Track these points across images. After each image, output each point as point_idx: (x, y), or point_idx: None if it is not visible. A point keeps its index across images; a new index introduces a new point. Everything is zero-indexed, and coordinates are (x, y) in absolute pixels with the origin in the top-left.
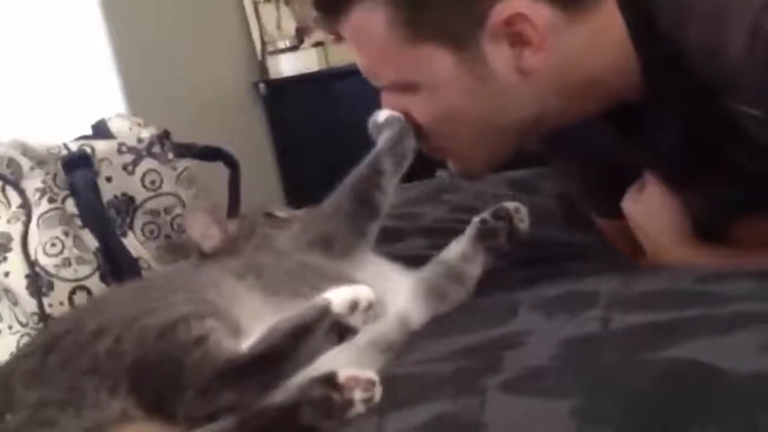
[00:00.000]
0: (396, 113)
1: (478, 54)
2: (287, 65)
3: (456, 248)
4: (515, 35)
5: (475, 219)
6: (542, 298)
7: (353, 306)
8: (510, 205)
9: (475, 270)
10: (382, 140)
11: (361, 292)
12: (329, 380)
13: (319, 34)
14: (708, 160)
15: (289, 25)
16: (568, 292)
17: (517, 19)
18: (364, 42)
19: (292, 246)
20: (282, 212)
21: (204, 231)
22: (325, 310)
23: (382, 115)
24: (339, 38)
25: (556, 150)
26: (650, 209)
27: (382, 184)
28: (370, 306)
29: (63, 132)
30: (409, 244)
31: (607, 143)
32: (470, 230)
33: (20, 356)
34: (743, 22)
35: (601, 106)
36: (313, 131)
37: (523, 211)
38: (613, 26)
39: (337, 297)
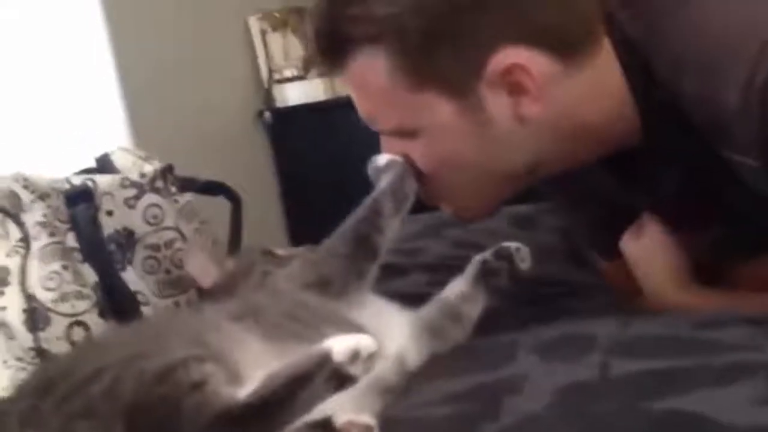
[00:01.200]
0: (396, 157)
1: (477, 102)
2: (293, 94)
3: (456, 288)
4: (513, 84)
5: (477, 258)
6: (541, 341)
7: (354, 355)
8: (512, 245)
9: (474, 310)
10: (382, 182)
11: (362, 341)
12: (326, 425)
13: None
14: (707, 204)
15: (297, 54)
16: (567, 335)
17: (515, 70)
18: (365, 88)
19: (290, 286)
20: (281, 250)
21: (202, 268)
22: (326, 359)
23: (381, 159)
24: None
25: (558, 190)
26: (648, 251)
27: (382, 225)
28: (371, 356)
29: (67, 165)
30: (409, 281)
31: (607, 186)
32: (471, 269)
33: (16, 396)
34: (737, 76)
35: (600, 152)
36: (318, 160)
37: (525, 251)
38: (611, 75)
39: (339, 345)
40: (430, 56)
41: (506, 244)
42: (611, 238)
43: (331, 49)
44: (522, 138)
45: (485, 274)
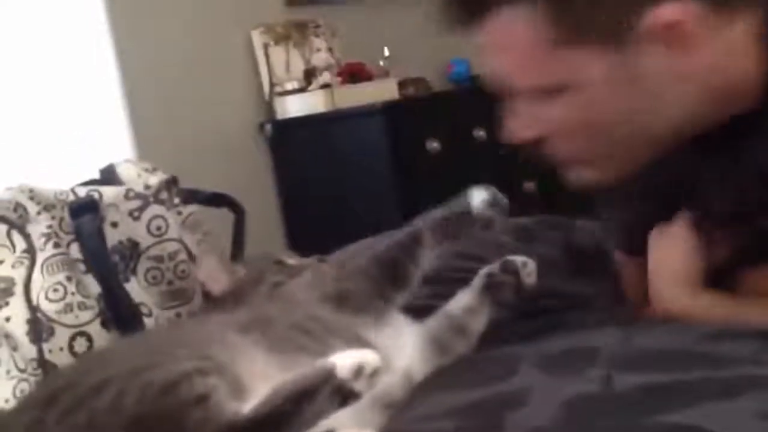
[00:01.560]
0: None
1: (633, 56)
2: (294, 106)
3: (461, 301)
4: (671, 38)
5: (483, 271)
6: (544, 354)
7: (358, 371)
8: (518, 259)
9: (479, 324)
10: (436, 215)
11: (366, 357)
12: None
13: (326, 77)
14: None
15: (298, 68)
16: (570, 349)
17: (674, 23)
18: (510, 44)
19: (307, 296)
20: (292, 259)
21: (212, 274)
22: (330, 374)
23: (478, 197)
24: (346, 80)
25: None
26: (668, 247)
27: (418, 256)
28: (375, 372)
29: (72, 177)
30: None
31: (686, 169)
32: (477, 282)
33: (21, 408)
34: None
35: (724, 118)
36: (318, 171)
37: (531, 265)
38: (755, 32)
39: (343, 361)
40: (586, 8)
41: (512, 258)
42: (643, 237)
43: (471, 5)
44: (674, 95)
45: (490, 288)
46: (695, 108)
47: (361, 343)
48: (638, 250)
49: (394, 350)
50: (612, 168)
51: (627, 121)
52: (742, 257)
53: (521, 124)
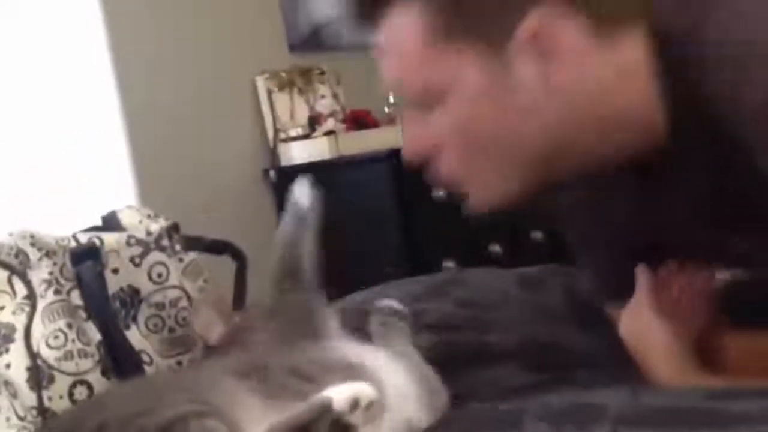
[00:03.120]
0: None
1: (507, 64)
2: (298, 153)
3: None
4: (544, 48)
5: (372, 328)
6: (549, 409)
7: (354, 404)
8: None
9: (417, 357)
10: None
11: (362, 389)
12: None
13: (330, 123)
14: (730, 214)
15: (302, 114)
16: (576, 404)
17: (547, 33)
18: (397, 47)
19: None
20: None
21: (208, 324)
22: (326, 408)
23: (299, 191)
24: (351, 126)
25: (579, 228)
26: (644, 335)
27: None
28: (371, 404)
29: (74, 223)
30: (415, 341)
31: (628, 204)
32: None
33: None
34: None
35: (625, 148)
36: (322, 218)
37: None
38: (642, 63)
39: (339, 395)
40: (465, 12)
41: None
42: (622, 282)
43: (367, 5)
44: (547, 111)
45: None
46: (576, 132)
47: (357, 377)
48: (619, 299)
49: (394, 393)
50: (496, 188)
51: (504, 131)
52: (721, 321)
53: (415, 138)
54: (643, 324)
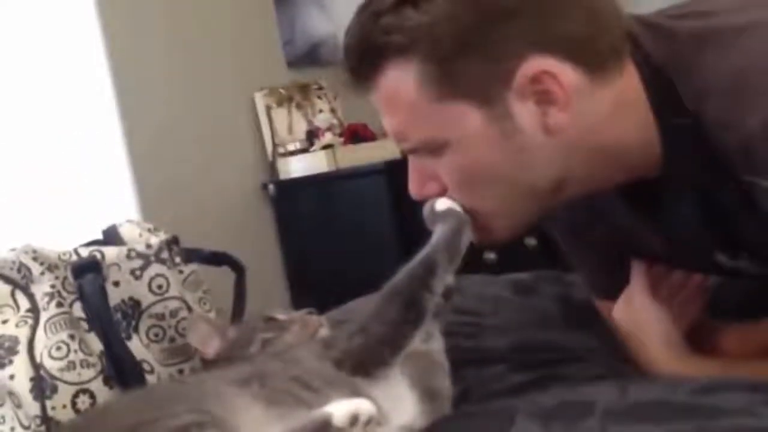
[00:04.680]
0: (455, 206)
1: (506, 111)
2: (297, 166)
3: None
4: (542, 93)
5: None
6: (539, 407)
7: (353, 420)
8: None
9: (439, 344)
10: (438, 234)
11: (361, 405)
12: None
13: (328, 137)
14: (722, 234)
15: (300, 128)
16: (565, 401)
17: (544, 77)
18: (395, 103)
19: (310, 357)
20: (282, 315)
21: (204, 338)
22: (327, 423)
23: (440, 204)
24: (348, 140)
25: (571, 228)
26: (639, 321)
27: (434, 285)
28: (370, 420)
29: (76, 238)
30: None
31: (622, 220)
32: None
33: None
34: (764, 101)
35: (622, 178)
36: (320, 230)
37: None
38: (634, 95)
39: (338, 410)
40: (460, 65)
41: None
42: (614, 279)
43: (363, 64)
44: (548, 151)
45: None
46: (578, 167)
47: (359, 395)
48: (610, 294)
49: (392, 403)
50: (504, 223)
51: (506, 175)
52: (713, 308)
53: (421, 180)
54: (639, 310)
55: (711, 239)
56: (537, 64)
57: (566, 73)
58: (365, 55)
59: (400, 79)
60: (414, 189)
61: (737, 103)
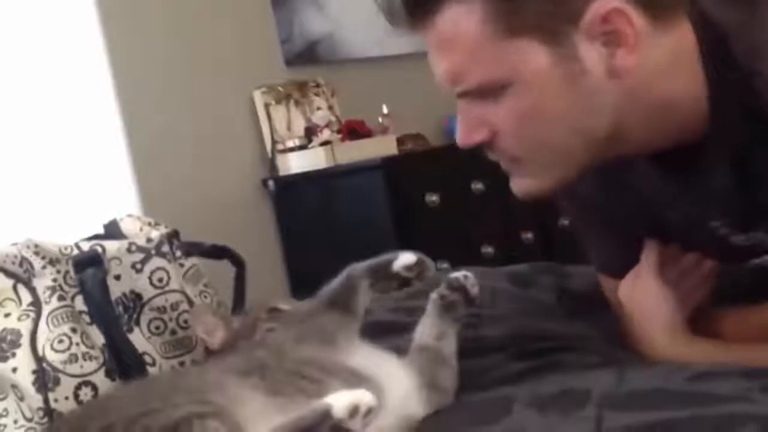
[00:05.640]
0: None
1: (573, 51)
2: (296, 163)
3: (430, 330)
4: (610, 33)
5: (433, 296)
6: (536, 395)
7: (354, 411)
8: (459, 274)
9: (451, 346)
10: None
11: (362, 397)
12: None
13: (326, 134)
14: (752, 207)
15: (299, 126)
16: (563, 390)
17: (615, 16)
18: (455, 40)
19: (308, 346)
20: (285, 305)
21: (208, 330)
22: (326, 414)
23: (403, 259)
24: (346, 137)
25: (592, 200)
26: (645, 301)
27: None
28: (370, 411)
29: (77, 232)
30: (409, 339)
31: (648, 190)
32: (433, 308)
33: None
34: None
35: (667, 139)
36: (319, 225)
37: (471, 277)
38: (690, 50)
39: (339, 401)
40: (528, 2)
41: (454, 274)
42: (623, 256)
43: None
44: (611, 97)
45: (447, 309)
46: (634, 119)
47: (358, 379)
48: (619, 272)
49: (389, 390)
50: (552, 173)
51: (566, 117)
52: (718, 298)
53: (470, 127)
54: (644, 289)
55: (740, 209)
56: (606, 3)
57: (633, 16)
58: None
59: (463, 14)
60: (462, 136)
61: None
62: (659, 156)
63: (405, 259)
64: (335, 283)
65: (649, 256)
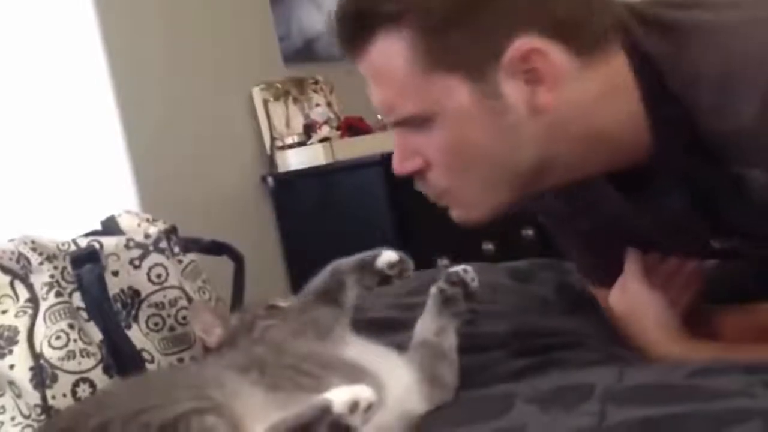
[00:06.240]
0: (403, 262)
1: (495, 87)
2: (295, 159)
3: (429, 325)
4: (531, 71)
5: (433, 290)
6: (538, 391)
7: (354, 406)
8: (458, 268)
9: (451, 341)
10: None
11: (362, 392)
12: None
13: (325, 130)
14: (712, 222)
15: (298, 122)
16: (564, 385)
17: (534, 56)
18: (383, 74)
19: (305, 342)
20: (283, 302)
21: (207, 327)
22: (326, 410)
23: (385, 257)
24: (345, 133)
25: (563, 218)
26: (636, 307)
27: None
28: (370, 406)
29: (74, 228)
30: (409, 335)
31: (612, 208)
32: (433, 303)
33: None
34: (757, 88)
35: (609, 164)
36: (318, 221)
37: (471, 271)
38: (623, 82)
39: (338, 397)
40: (451, 37)
41: (453, 269)
42: (608, 267)
43: (353, 32)
44: (534, 132)
45: (446, 304)
46: (562, 151)
47: (357, 374)
48: (605, 281)
49: (388, 384)
50: (482, 203)
51: (493, 152)
52: (710, 293)
53: (404, 156)
54: (634, 296)
55: (702, 225)
56: (528, 41)
57: (556, 53)
58: (356, 24)
59: (390, 50)
60: (395, 164)
61: (728, 94)
62: (617, 177)
63: (387, 256)
64: (321, 278)
65: (632, 264)
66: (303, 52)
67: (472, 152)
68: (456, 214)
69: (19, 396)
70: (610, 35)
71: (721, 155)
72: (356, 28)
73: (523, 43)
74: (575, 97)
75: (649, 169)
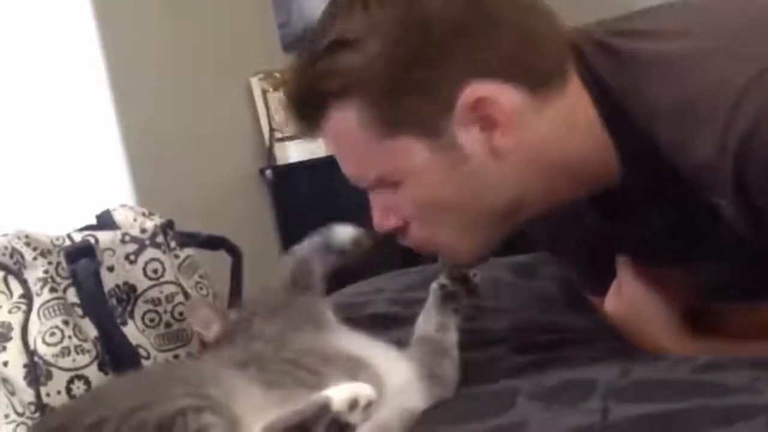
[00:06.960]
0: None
1: (451, 140)
2: (293, 152)
3: (429, 321)
4: (484, 118)
5: (434, 286)
6: (541, 387)
7: (353, 404)
8: None
9: (452, 337)
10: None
11: (361, 390)
12: None
13: None
14: (691, 242)
15: None
16: (567, 381)
17: (483, 103)
18: (344, 145)
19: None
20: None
21: (205, 322)
22: (325, 408)
23: (341, 233)
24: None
25: (547, 233)
26: (635, 309)
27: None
28: (369, 404)
29: (70, 222)
30: (409, 331)
31: (594, 226)
32: (434, 299)
33: None
34: (713, 124)
35: (585, 189)
36: (317, 214)
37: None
38: (585, 114)
39: (338, 395)
40: (400, 100)
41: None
42: (603, 275)
43: (306, 110)
44: (499, 174)
45: (448, 299)
46: (532, 186)
47: (357, 368)
48: (598, 289)
49: (388, 379)
50: (469, 248)
51: (462, 202)
52: (709, 295)
53: (383, 215)
54: (631, 299)
55: (684, 246)
56: (474, 91)
57: (506, 95)
58: (307, 103)
59: (343, 122)
60: (376, 222)
61: (686, 130)
62: (595, 197)
63: (342, 232)
64: (285, 267)
65: (624, 270)
66: (303, 40)
67: (443, 204)
68: (444, 260)
69: (12, 393)
70: (564, 67)
71: (692, 185)
72: (307, 109)
73: (469, 93)
74: (537, 133)
75: (624, 191)
